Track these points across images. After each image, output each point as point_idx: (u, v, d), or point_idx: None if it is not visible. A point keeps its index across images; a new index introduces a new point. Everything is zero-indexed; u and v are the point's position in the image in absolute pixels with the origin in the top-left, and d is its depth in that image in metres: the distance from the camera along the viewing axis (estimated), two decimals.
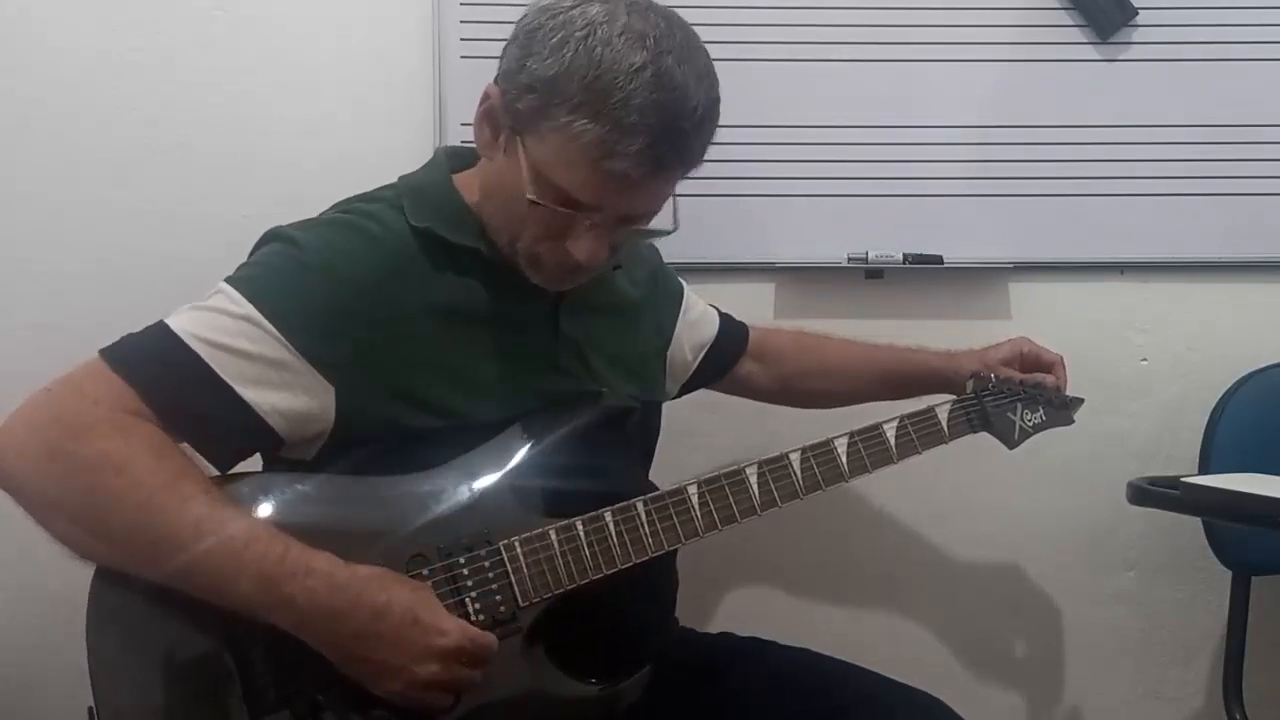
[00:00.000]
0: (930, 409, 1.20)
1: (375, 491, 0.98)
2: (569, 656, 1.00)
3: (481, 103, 1.00)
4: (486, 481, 1.00)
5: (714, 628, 1.31)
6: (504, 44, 0.99)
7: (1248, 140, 1.61)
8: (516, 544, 0.98)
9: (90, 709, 0.93)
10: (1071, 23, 1.59)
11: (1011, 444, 1.26)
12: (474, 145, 1.04)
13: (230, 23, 1.54)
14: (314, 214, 1.07)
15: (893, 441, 1.16)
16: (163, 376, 0.92)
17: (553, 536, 0.99)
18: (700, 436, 1.59)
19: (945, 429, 1.20)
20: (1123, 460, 1.67)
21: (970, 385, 1.25)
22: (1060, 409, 1.31)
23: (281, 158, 1.54)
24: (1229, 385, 1.59)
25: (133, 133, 1.53)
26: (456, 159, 1.11)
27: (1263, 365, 1.61)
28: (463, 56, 1.54)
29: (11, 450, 0.90)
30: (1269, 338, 1.64)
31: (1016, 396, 1.26)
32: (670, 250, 1.55)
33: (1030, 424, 1.27)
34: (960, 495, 1.68)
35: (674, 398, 1.35)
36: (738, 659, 1.19)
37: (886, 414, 1.18)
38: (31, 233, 1.53)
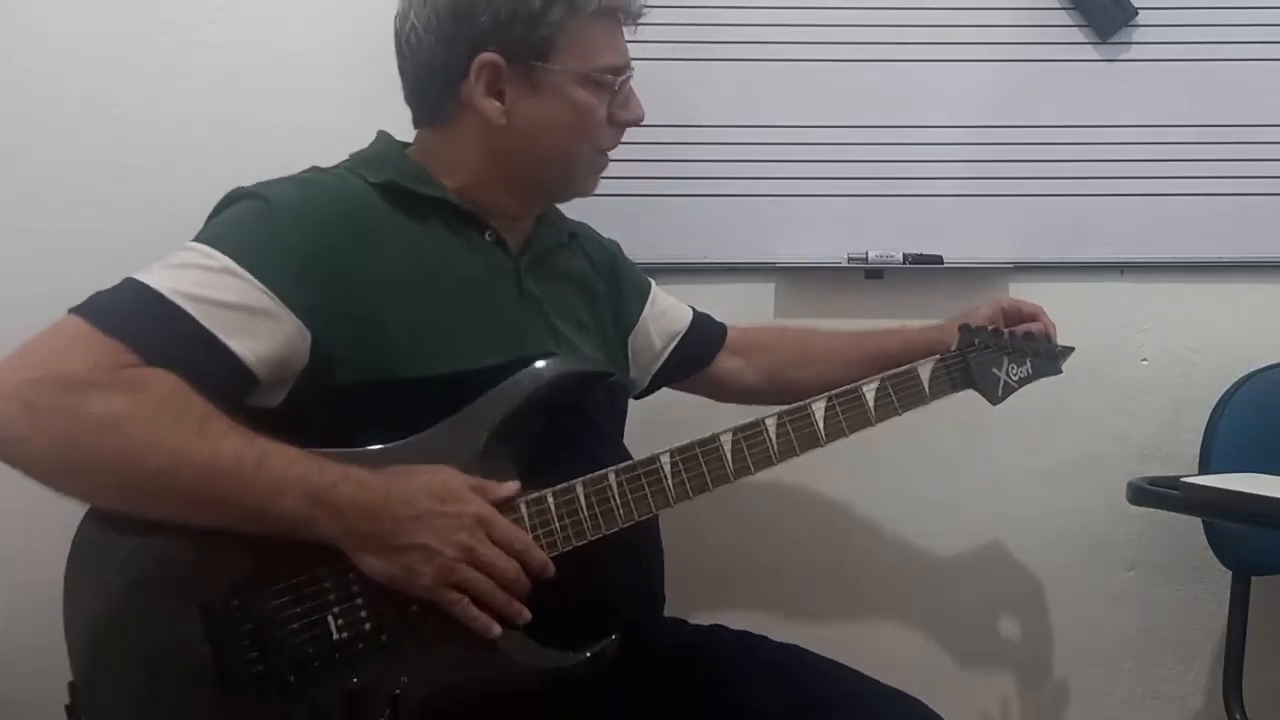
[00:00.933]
0: (912, 367, 1.18)
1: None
2: (544, 626, 1.00)
3: (478, 81, 1.05)
4: (460, 453, 1.00)
5: (706, 621, 1.31)
6: (434, 31, 1.05)
7: (1247, 140, 1.61)
8: None
9: (70, 684, 0.95)
10: (1071, 23, 1.59)
11: (995, 399, 1.25)
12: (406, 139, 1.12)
13: (229, 25, 1.54)
14: None
15: (871, 403, 1.14)
16: (151, 331, 0.92)
17: (523, 510, 1.00)
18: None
19: (926, 388, 1.18)
20: (1123, 460, 1.67)
21: (957, 340, 1.23)
22: (1049, 359, 1.29)
23: (281, 159, 1.52)
24: (1229, 385, 1.59)
25: (132, 134, 1.53)
26: (402, 142, 1.15)
27: (1263, 365, 1.61)
28: None
29: (6, 424, 0.88)
30: (1269, 338, 1.64)
31: (1003, 349, 1.25)
32: (671, 250, 1.55)
33: (1015, 378, 1.25)
34: (959, 494, 1.68)
35: (646, 390, 1.36)
36: (728, 651, 1.19)
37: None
38: (30, 234, 1.53)
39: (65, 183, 1.53)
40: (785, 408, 1.11)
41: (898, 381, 1.17)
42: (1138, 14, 1.58)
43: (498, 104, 1.06)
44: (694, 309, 1.40)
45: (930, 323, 1.37)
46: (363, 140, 1.15)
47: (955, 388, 1.22)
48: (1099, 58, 1.60)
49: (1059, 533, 1.69)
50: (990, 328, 1.26)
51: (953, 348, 1.23)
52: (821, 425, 1.11)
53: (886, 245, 1.60)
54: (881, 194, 1.61)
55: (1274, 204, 1.62)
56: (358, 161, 1.11)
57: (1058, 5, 1.59)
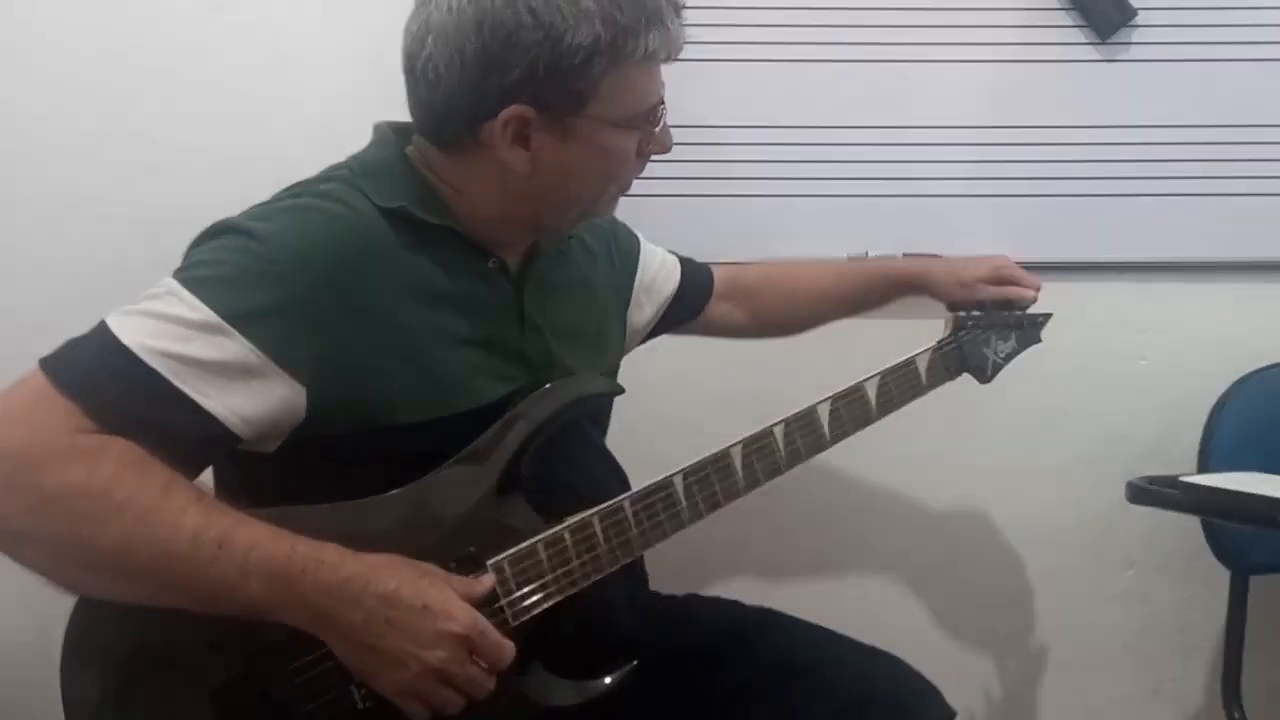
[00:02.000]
0: (910, 359, 1.22)
1: (357, 518, 0.94)
2: (557, 657, 0.99)
3: (505, 130, 0.96)
4: (469, 496, 0.97)
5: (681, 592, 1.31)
6: (457, 74, 0.95)
7: (1248, 140, 1.61)
8: (505, 565, 0.96)
9: None
10: (1071, 23, 1.59)
11: (985, 378, 1.29)
12: (406, 121, 1.04)
13: (228, 24, 1.54)
14: None
15: (873, 401, 1.17)
16: (116, 395, 0.85)
17: (541, 552, 0.97)
18: (709, 436, 1.58)
19: (924, 379, 1.23)
20: (1123, 460, 1.67)
21: (948, 325, 1.28)
22: (1030, 327, 1.33)
23: (281, 159, 1.51)
24: (1229, 385, 1.60)
25: (131, 135, 1.53)
26: (403, 134, 1.06)
27: (1263, 365, 1.61)
28: None
29: None
30: (1269, 338, 1.64)
31: (990, 327, 1.29)
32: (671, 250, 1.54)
33: (1003, 355, 1.30)
34: (960, 494, 1.68)
35: (643, 341, 1.34)
36: (705, 618, 1.20)
37: (864, 369, 1.19)
38: (29, 234, 1.53)
39: (63, 183, 1.53)
40: (792, 414, 1.12)
41: (898, 376, 1.20)
42: (1138, 14, 1.58)
43: (524, 153, 0.97)
44: (679, 257, 1.36)
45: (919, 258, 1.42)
46: (361, 141, 1.14)
47: (951, 374, 1.26)
48: (1099, 58, 1.60)
49: (1059, 533, 1.70)
50: (976, 302, 1.30)
51: (946, 334, 1.27)
52: (827, 429, 1.13)
53: (886, 245, 1.60)
54: (881, 194, 1.61)
55: (1274, 204, 1.62)
56: (360, 172, 1.02)
57: (1058, 5, 1.59)
